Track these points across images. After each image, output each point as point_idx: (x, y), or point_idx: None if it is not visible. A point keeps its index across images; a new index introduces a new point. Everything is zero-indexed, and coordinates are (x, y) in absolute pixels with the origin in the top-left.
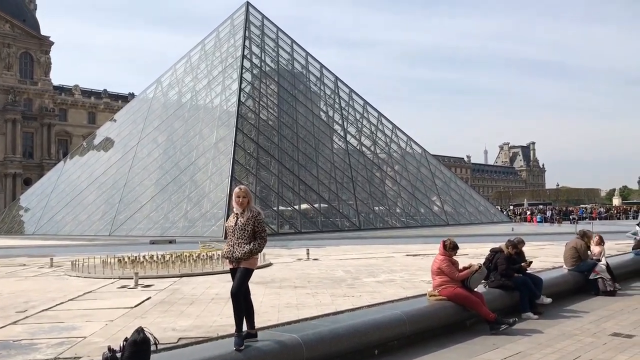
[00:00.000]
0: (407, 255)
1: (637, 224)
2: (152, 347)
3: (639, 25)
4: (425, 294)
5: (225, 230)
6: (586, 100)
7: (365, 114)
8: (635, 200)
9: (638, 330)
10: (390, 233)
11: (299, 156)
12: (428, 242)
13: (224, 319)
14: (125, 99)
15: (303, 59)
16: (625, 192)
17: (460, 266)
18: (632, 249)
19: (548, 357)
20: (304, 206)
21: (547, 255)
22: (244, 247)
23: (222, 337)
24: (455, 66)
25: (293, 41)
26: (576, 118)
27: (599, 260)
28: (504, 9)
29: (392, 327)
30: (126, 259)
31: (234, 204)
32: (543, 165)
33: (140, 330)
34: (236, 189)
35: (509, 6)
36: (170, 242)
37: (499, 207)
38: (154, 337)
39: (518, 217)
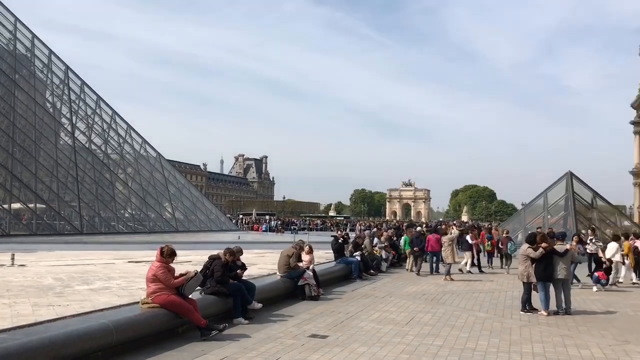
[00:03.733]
0: (129, 262)
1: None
2: None
3: (362, 59)
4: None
5: None
6: (314, 122)
7: (98, 110)
8: (345, 215)
9: (332, 331)
10: (115, 238)
11: (14, 149)
12: (154, 248)
13: None
14: None
15: (28, 41)
16: (339, 207)
17: (177, 273)
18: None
19: None
20: (15, 206)
21: (265, 262)
22: None
23: None
24: (198, 74)
25: (17, 19)
26: (305, 137)
27: (308, 268)
28: (246, 26)
29: (96, 337)
30: None
31: None
32: (273, 178)
33: None
34: None
35: (250, 24)
36: None
37: (229, 216)
38: None
39: (246, 225)
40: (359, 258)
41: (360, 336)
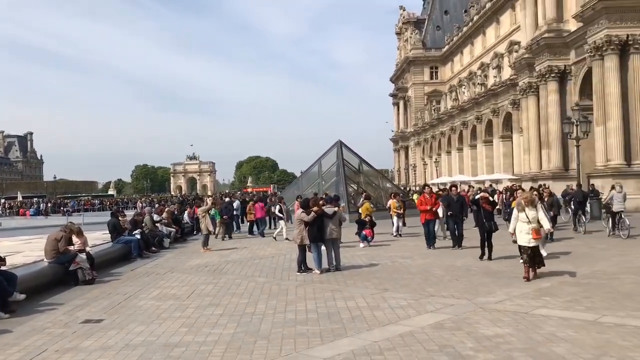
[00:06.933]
0: None
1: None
2: None
3: (135, 28)
4: None
5: None
6: (87, 95)
7: None
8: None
9: (108, 314)
10: None
11: None
12: None
13: None
14: None
15: None
16: (120, 185)
17: None
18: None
19: (13, 356)
20: None
21: (32, 249)
22: None
23: None
24: None
25: None
26: (77, 112)
27: (82, 251)
28: None
29: None
30: None
31: None
32: (41, 156)
33: None
34: None
35: None
36: None
37: None
38: None
39: (10, 210)
40: (138, 236)
41: (138, 315)
